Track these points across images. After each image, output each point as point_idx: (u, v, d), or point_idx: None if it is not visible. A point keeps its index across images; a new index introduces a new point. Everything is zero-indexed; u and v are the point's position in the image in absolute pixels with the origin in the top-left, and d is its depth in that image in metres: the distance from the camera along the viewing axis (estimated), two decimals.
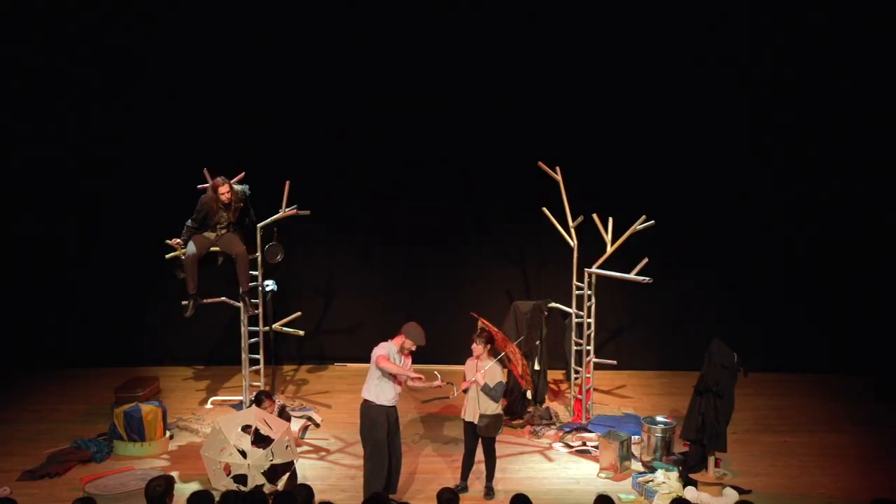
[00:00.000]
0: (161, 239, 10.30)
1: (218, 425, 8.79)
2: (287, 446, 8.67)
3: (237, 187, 10.18)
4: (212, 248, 10.28)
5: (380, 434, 8.50)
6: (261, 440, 8.74)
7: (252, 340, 10.71)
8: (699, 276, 12.12)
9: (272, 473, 8.60)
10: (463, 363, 9.15)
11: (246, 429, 8.79)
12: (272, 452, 8.57)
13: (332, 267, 12.50)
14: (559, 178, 10.54)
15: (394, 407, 8.63)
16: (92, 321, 12.37)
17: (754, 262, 12.17)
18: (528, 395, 10.60)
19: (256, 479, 8.47)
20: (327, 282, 12.52)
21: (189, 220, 10.12)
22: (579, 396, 10.76)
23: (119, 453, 9.79)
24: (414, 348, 8.61)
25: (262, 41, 11.89)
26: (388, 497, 7.38)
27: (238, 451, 8.58)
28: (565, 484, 9.25)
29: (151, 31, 11.86)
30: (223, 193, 10.01)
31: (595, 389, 11.08)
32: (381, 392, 8.51)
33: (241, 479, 8.48)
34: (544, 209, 10.72)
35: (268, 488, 8.38)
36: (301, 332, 10.95)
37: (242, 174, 10.38)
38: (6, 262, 12.23)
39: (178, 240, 10.14)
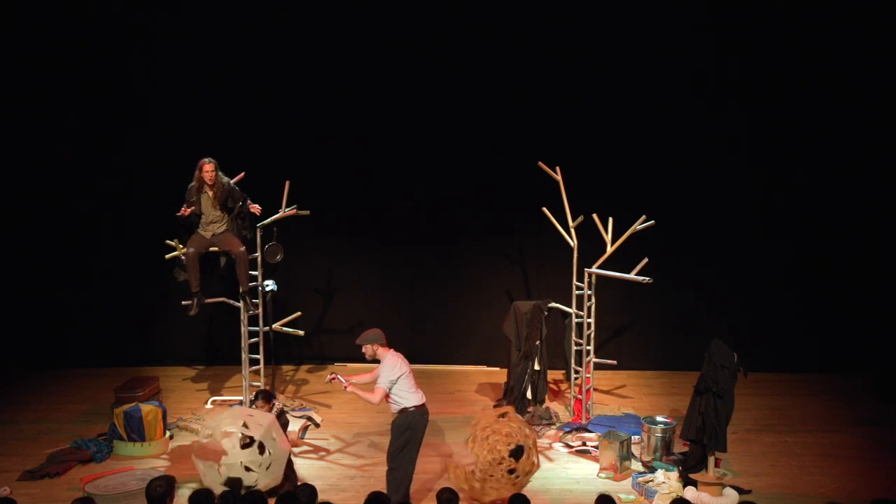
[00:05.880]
0: (161, 239, 10.30)
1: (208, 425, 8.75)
2: (274, 438, 8.57)
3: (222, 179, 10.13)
4: (212, 249, 10.28)
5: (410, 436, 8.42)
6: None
7: (252, 340, 10.70)
8: (699, 276, 12.12)
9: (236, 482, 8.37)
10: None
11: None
12: (262, 447, 8.48)
13: (332, 267, 12.50)
14: (559, 178, 10.54)
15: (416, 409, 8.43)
16: (92, 321, 12.38)
17: (754, 262, 12.16)
18: (528, 394, 10.59)
19: (247, 479, 8.38)
20: (327, 282, 12.52)
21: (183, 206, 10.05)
22: (579, 396, 10.76)
23: (119, 453, 9.79)
24: (384, 349, 8.43)
25: (262, 41, 11.91)
26: (388, 497, 7.33)
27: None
28: (565, 484, 9.24)
29: (152, 30, 11.88)
30: (207, 172, 9.94)
31: (595, 389, 11.08)
32: (402, 397, 8.40)
33: (233, 481, 8.38)
34: (544, 209, 10.72)
35: (264, 486, 8.32)
36: (301, 332, 10.94)
37: (242, 174, 10.39)
38: (6, 263, 12.24)
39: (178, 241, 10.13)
